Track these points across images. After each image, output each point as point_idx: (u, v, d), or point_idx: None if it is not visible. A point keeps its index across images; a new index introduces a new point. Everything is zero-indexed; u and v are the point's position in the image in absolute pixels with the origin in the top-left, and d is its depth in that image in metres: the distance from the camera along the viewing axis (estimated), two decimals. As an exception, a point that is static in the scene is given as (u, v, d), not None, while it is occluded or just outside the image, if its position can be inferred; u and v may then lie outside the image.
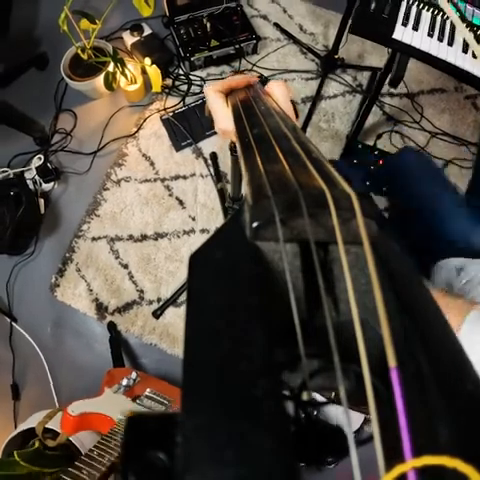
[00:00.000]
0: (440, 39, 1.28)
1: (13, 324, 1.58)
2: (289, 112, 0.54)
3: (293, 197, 0.25)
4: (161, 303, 1.58)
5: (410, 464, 0.15)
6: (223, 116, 0.57)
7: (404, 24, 1.27)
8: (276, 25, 2.01)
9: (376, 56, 1.97)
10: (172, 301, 1.59)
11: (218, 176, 1.72)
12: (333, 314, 0.24)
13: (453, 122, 1.93)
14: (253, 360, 0.18)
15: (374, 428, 0.16)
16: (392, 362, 0.18)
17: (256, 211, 0.24)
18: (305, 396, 0.22)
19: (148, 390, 1.24)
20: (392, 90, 1.91)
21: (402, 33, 1.28)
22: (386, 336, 0.18)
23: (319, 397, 0.25)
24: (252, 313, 0.21)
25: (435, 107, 1.95)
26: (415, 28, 1.28)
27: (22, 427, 1.19)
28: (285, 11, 2.07)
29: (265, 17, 2.04)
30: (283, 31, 1.99)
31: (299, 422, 0.22)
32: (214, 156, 1.75)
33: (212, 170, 1.72)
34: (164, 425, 0.20)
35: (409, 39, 1.28)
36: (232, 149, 0.77)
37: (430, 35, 1.28)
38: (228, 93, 0.60)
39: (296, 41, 1.96)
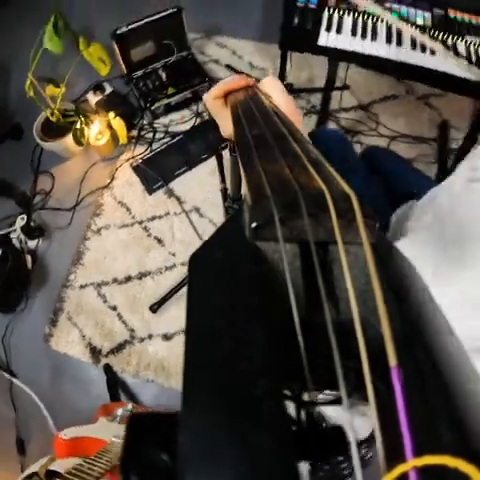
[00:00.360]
0: (363, 36, 1.37)
1: (12, 379, 1.63)
2: (289, 105, 0.54)
3: (292, 197, 0.25)
4: (159, 299, 1.64)
5: (411, 463, 0.15)
6: (225, 122, 0.58)
7: (328, 29, 1.38)
8: (227, 66, 2.17)
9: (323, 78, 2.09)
10: (169, 297, 1.64)
11: (222, 176, 1.78)
12: (333, 313, 0.23)
13: (409, 123, 2.02)
14: (253, 360, 0.18)
15: (375, 427, 0.16)
16: (392, 361, 0.17)
17: (255, 211, 0.24)
18: (306, 396, 0.22)
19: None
20: (344, 105, 2.03)
21: (326, 38, 1.38)
22: (386, 335, 0.18)
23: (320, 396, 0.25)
24: (252, 313, 0.21)
25: (389, 113, 2.05)
26: (338, 31, 1.38)
27: (26, 472, 1.21)
28: (234, 53, 2.23)
29: (216, 61, 2.20)
30: (234, 70, 2.14)
31: (299, 422, 0.22)
32: (220, 157, 1.81)
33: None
34: (165, 425, 0.20)
35: (334, 43, 1.37)
36: (232, 149, 0.78)
37: (354, 34, 1.38)
38: (227, 95, 0.59)
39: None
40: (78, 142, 1.83)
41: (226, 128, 0.59)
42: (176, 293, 1.66)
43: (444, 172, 1.88)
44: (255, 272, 0.23)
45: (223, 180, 1.76)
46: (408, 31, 1.34)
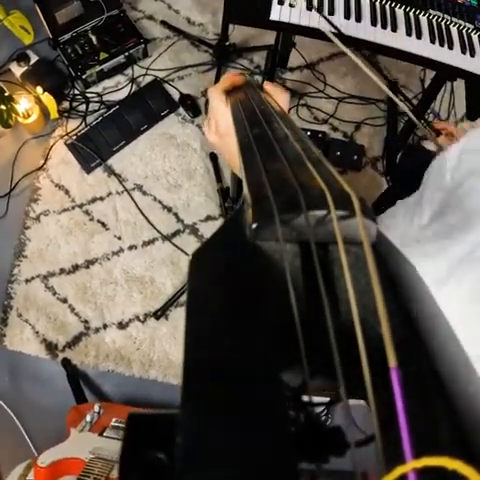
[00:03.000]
0: (320, 11, 1.26)
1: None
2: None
3: (293, 197, 0.25)
4: (162, 304, 1.60)
5: (410, 465, 0.15)
6: (225, 118, 0.56)
7: (280, 3, 1.24)
8: (163, 23, 1.97)
9: (270, 34, 1.95)
10: (173, 301, 1.60)
11: (218, 176, 1.72)
12: (333, 314, 0.23)
13: (357, 83, 1.95)
14: (253, 360, 0.19)
15: (374, 428, 0.17)
16: (392, 362, 0.17)
17: (256, 211, 0.24)
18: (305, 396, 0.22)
19: (113, 420, 1.25)
20: (291, 64, 1.91)
21: (279, 13, 1.25)
22: (386, 336, 0.18)
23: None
24: (252, 313, 0.21)
25: (337, 72, 1.97)
26: (292, 5, 1.25)
27: None
28: (170, 7, 2.03)
29: (151, 17, 2.00)
30: (171, 27, 1.96)
31: (299, 422, 0.22)
32: (214, 156, 1.75)
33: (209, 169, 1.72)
34: (164, 425, 0.20)
35: (287, 17, 1.25)
36: None
37: (309, 9, 1.26)
38: (229, 92, 0.59)
39: (186, 35, 1.93)
40: (5, 124, 1.66)
41: (222, 126, 0.58)
42: (181, 296, 1.61)
43: (394, 136, 1.83)
44: (255, 272, 0.23)
45: (219, 180, 1.69)
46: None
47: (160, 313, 1.59)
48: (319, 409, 0.25)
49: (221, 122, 0.58)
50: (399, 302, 0.22)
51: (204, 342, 0.20)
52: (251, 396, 0.17)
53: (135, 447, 0.20)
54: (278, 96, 0.57)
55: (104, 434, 1.14)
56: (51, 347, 1.58)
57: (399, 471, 0.15)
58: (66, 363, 1.57)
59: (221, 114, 0.58)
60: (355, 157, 1.80)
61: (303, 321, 0.21)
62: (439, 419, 0.17)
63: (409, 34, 1.25)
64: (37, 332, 1.60)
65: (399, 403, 0.16)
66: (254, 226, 0.24)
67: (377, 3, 1.28)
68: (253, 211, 0.25)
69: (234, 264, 0.24)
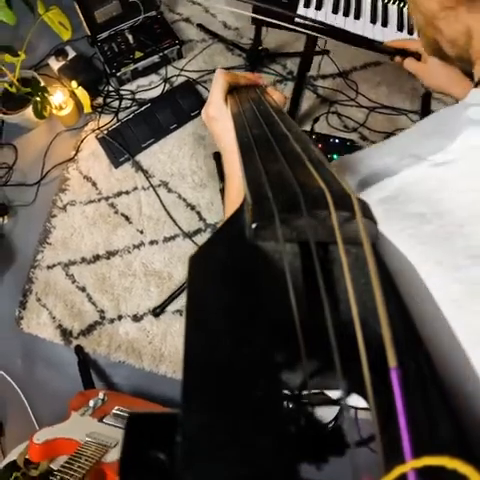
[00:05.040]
0: (346, 14, 1.28)
1: (-16, 364, 1.61)
2: None
3: (293, 197, 0.25)
4: (160, 302, 1.61)
5: (410, 465, 0.15)
6: (215, 102, 0.59)
7: (306, 5, 1.27)
8: (199, 26, 2.01)
9: (302, 41, 1.97)
10: (171, 300, 1.61)
11: (221, 175, 1.73)
12: (333, 314, 0.23)
13: (389, 93, 1.93)
14: (253, 360, 0.19)
15: (374, 428, 0.17)
16: (392, 362, 0.18)
17: (256, 211, 0.24)
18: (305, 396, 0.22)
19: (116, 408, 1.26)
20: (323, 72, 1.92)
21: (305, 14, 1.27)
22: (386, 336, 0.18)
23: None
24: (252, 313, 0.21)
25: (370, 81, 1.96)
26: (318, 8, 1.28)
27: (5, 461, 1.22)
28: (207, 11, 2.07)
29: (188, 20, 2.05)
30: (207, 31, 1.99)
31: (299, 422, 0.22)
32: (217, 156, 1.76)
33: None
34: (164, 425, 0.20)
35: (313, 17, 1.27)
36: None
37: (336, 11, 1.28)
38: (232, 89, 0.61)
39: (221, 39, 1.97)
40: (39, 116, 1.71)
41: (211, 109, 0.60)
42: (179, 295, 1.63)
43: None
44: (255, 272, 0.23)
45: (222, 179, 1.70)
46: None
47: (159, 311, 1.61)
48: (331, 414, 0.25)
49: (210, 104, 0.60)
50: (399, 302, 0.22)
51: (204, 341, 0.20)
52: (251, 396, 0.17)
53: (135, 447, 0.20)
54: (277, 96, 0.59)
55: (104, 420, 1.15)
56: (66, 333, 1.61)
57: (399, 471, 0.15)
58: (79, 350, 1.59)
59: (213, 96, 0.60)
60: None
61: (303, 321, 0.21)
62: (439, 419, 0.17)
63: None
64: (54, 317, 1.63)
65: (399, 403, 0.16)
66: (254, 226, 0.24)
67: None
68: (253, 211, 0.25)
69: (234, 264, 0.24)
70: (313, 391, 0.23)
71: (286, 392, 0.22)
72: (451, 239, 0.31)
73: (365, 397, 0.17)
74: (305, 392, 0.22)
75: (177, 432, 0.17)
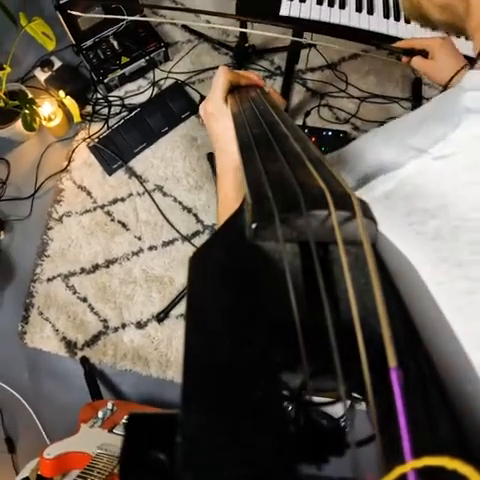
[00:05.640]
0: (331, 5, 1.26)
1: (-9, 380, 1.60)
2: None
3: (293, 197, 0.25)
4: (163, 307, 1.60)
5: (410, 465, 0.15)
6: (215, 100, 0.58)
7: None
8: (184, 27, 2.00)
9: (289, 35, 1.95)
10: (174, 304, 1.60)
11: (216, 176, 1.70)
12: (333, 314, 0.23)
13: (379, 82, 1.92)
14: (253, 360, 0.19)
15: (374, 428, 0.17)
16: (392, 362, 0.18)
17: (256, 211, 0.24)
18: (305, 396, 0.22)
19: (125, 417, 1.25)
20: (311, 65, 1.90)
21: (289, 8, 1.26)
22: (386, 336, 0.18)
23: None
24: (252, 313, 0.21)
25: (359, 71, 1.94)
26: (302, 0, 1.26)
27: (18, 478, 1.21)
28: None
29: (171, 21, 2.02)
30: (192, 31, 1.98)
31: (299, 422, 0.22)
32: (211, 157, 1.76)
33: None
34: (164, 425, 0.20)
35: (297, 12, 1.26)
36: None
37: (320, 3, 1.27)
38: (233, 88, 0.60)
39: (206, 38, 1.95)
40: (29, 128, 1.70)
41: (209, 105, 0.60)
42: (182, 299, 1.61)
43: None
44: (255, 272, 0.23)
45: None
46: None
47: (162, 316, 1.60)
48: (339, 417, 0.24)
49: (209, 100, 0.60)
50: (399, 302, 0.22)
51: (204, 342, 0.20)
52: (251, 396, 0.17)
53: (135, 447, 0.20)
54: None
55: (114, 430, 1.14)
56: (70, 345, 1.60)
57: (399, 471, 0.15)
58: (84, 361, 1.58)
59: (214, 91, 0.59)
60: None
61: (303, 321, 0.21)
62: (439, 419, 0.17)
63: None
64: (57, 330, 1.62)
65: (399, 403, 0.16)
66: (254, 226, 0.24)
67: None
68: (253, 211, 0.25)
69: (234, 264, 0.24)
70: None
71: (286, 392, 0.22)
72: (456, 234, 0.30)
73: (365, 397, 0.17)
74: (305, 392, 0.22)
75: (177, 432, 0.17)
